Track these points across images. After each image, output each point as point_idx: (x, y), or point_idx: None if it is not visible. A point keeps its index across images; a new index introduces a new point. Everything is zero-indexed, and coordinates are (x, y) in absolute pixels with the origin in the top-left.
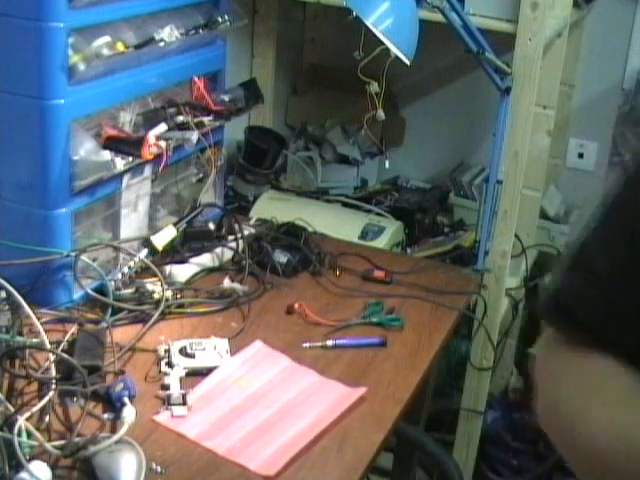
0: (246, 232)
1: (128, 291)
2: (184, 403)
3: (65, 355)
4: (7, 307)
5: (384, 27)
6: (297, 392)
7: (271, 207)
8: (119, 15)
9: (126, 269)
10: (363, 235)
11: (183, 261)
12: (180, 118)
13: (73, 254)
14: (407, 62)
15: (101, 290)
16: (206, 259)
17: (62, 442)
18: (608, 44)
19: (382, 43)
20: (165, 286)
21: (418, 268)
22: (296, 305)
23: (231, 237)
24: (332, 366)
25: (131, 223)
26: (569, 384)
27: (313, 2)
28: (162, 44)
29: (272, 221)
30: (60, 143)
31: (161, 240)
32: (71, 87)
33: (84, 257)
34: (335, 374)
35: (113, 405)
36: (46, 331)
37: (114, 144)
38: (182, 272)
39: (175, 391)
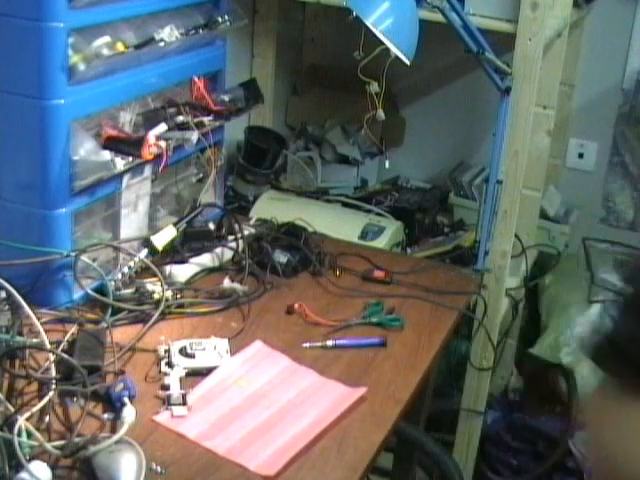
0: (246, 232)
1: (128, 291)
2: (184, 403)
3: (65, 355)
4: (7, 307)
5: (384, 27)
6: (297, 392)
7: (271, 207)
8: (119, 15)
9: (126, 269)
10: (363, 235)
11: (183, 261)
12: (180, 118)
13: (73, 254)
14: (407, 62)
15: (101, 290)
16: (206, 259)
17: (62, 442)
18: (608, 44)
19: (382, 43)
20: (165, 286)
21: (418, 268)
22: (296, 305)
23: (231, 237)
24: (332, 366)
25: (131, 223)
26: (630, 434)
27: (313, 2)
28: (162, 44)
29: (272, 221)
30: (60, 143)
31: (161, 240)
32: (71, 87)
33: (84, 257)
34: (335, 374)
35: (113, 405)
36: (46, 331)
37: (114, 144)
38: (182, 272)
39: (175, 391)
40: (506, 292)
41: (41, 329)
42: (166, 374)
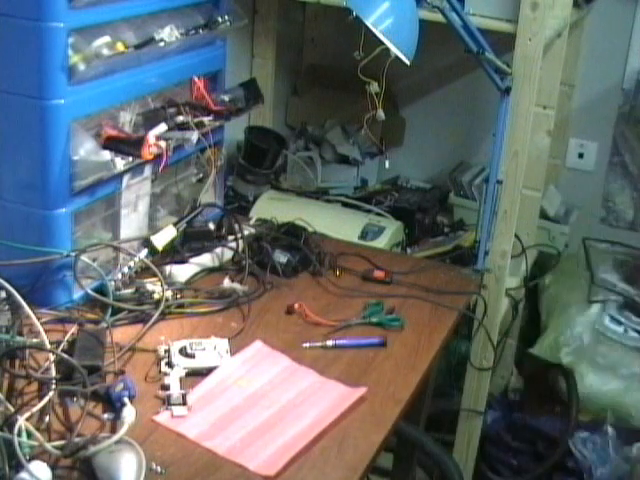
0: (246, 232)
1: (128, 291)
2: (184, 403)
3: (65, 355)
4: (7, 307)
5: (384, 27)
6: (297, 392)
7: (271, 207)
8: (119, 15)
9: (126, 269)
10: (363, 235)
11: (183, 261)
12: (180, 118)
13: (73, 254)
14: (407, 62)
15: (101, 290)
16: (206, 259)
17: (62, 442)
18: (608, 44)
19: (382, 43)
20: (165, 286)
21: (418, 268)
22: (296, 305)
23: (231, 237)
24: (332, 366)
25: (131, 223)
26: None
27: (313, 2)
28: (162, 44)
29: (272, 221)
30: (60, 143)
31: (161, 240)
32: (71, 87)
33: (84, 257)
34: (335, 374)
35: (113, 405)
36: (46, 331)
37: (114, 144)
38: (182, 272)
39: (175, 391)
40: (506, 292)
41: (41, 329)
42: (166, 374)
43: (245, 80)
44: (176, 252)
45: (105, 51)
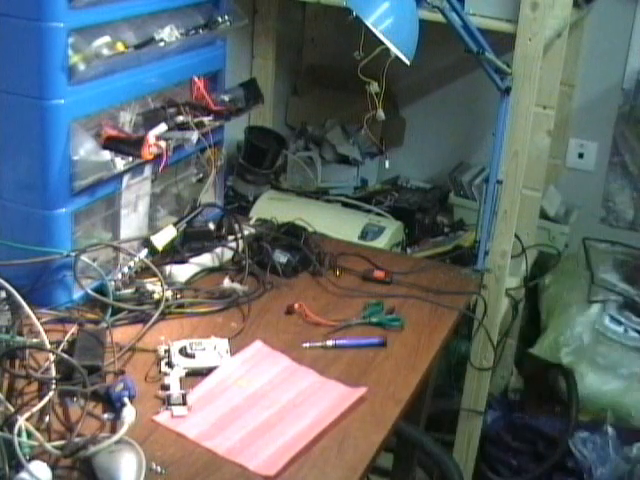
0: (246, 232)
1: (128, 291)
2: (184, 403)
3: (65, 355)
4: (7, 307)
5: (384, 27)
6: (297, 392)
7: (271, 207)
8: (119, 15)
9: (126, 269)
10: (363, 235)
11: (183, 261)
12: (180, 118)
13: (73, 254)
14: (407, 62)
15: (101, 290)
16: (206, 259)
17: (62, 442)
18: (608, 44)
19: (382, 43)
20: (165, 286)
21: (418, 268)
22: (296, 305)
23: (231, 237)
24: (332, 366)
25: (131, 223)
26: None
27: (313, 2)
28: (162, 44)
29: (272, 221)
30: (60, 143)
31: (161, 240)
32: (71, 87)
33: (84, 257)
34: (335, 374)
35: (113, 405)
36: (46, 331)
37: (114, 144)
38: (182, 272)
39: (175, 391)
40: (506, 292)
41: (41, 329)
42: (166, 374)
43: (245, 80)
44: (176, 252)
45: (105, 51)
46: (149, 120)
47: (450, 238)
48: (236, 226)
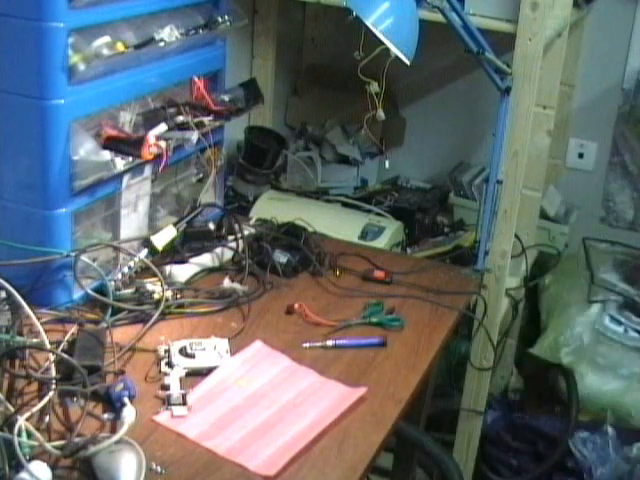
0: (246, 232)
1: (128, 291)
2: (184, 403)
3: (65, 355)
4: (7, 307)
5: (384, 27)
6: (297, 392)
7: (271, 207)
8: (119, 15)
9: (126, 269)
10: (363, 235)
11: (183, 261)
12: (180, 118)
13: (73, 254)
14: (407, 62)
15: (101, 290)
16: (206, 259)
17: (62, 442)
18: (608, 44)
19: (382, 43)
20: (165, 286)
21: (418, 268)
22: (296, 305)
23: (231, 237)
24: (332, 366)
25: (131, 223)
26: None
27: (313, 2)
28: (162, 44)
29: (272, 221)
30: (60, 143)
31: (161, 240)
32: (71, 87)
33: (84, 257)
34: (335, 374)
35: (113, 405)
36: (46, 331)
37: (114, 144)
38: (182, 272)
39: (175, 391)
40: (506, 292)
41: (41, 329)
42: (166, 374)
43: (245, 80)
44: (176, 252)
45: (105, 51)
46: (149, 120)
47: (450, 238)
48: (236, 226)
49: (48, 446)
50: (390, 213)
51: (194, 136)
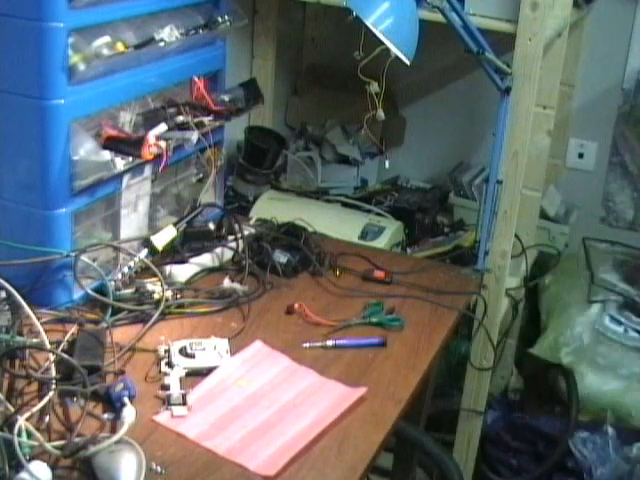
0: (246, 232)
1: (128, 291)
2: (184, 403)
3: (65, 355)
4: (7, 307)
5: (384, 27)
6: (297, 392)
7: (271, 207)
8: (119, 15)
9: (126, 269)
10: (363, 235)
11: (183, 261)
12: (180, 118)
13: (73, 254)
14: (407, 62)
15: (101, 290)
16: (206, 259)
17: (62, 442)
18: (608, 44)
19: (382, 43)
20: (165, 286)
21: (418, 268)
22: (296, 305)
23: (231, 237)
24: (332, 366)
25: (131, 223)
26: None
27: (313, 2)
28: (162, 44)
29: (272, 221)
30: (60, 143)
31: (161, 240)
32: (71, 87)
33: (84, 257)
34: (335, 374)
35: (113, 405)
36: (46, 331)
37: (114, 144)
38: (182, 272)
39: (175, 391)
40: (506, 292)
41: (41, 329)
42: (166, 374)
43: (245, 80)
44: (176, 252)
45: (105, 51)
46: (149, 120)
47: (450, 238)
48: (236, 226)
49: (48, 446)
50: (390, 213)
51: (194, 136)
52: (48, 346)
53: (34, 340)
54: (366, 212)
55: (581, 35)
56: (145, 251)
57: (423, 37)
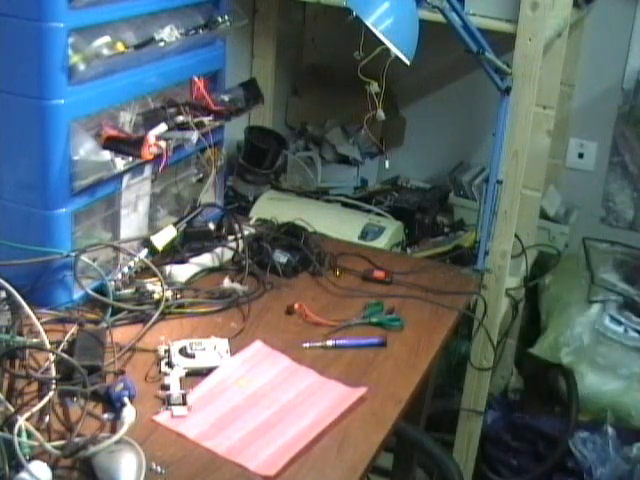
0: (246, 232)
1: (128, 291)
2: (184, 403)
3: (65, 355)
4: (7, 307)
5: (384, 27)
6: (297, 392)
7: (271, 207)
8: (119, 15)
9: (126, 269)
10: (363, 235)
11: (183, 261)
12: (180, 118)
13: (73, 254)
14: (407, 62)
15: (101, 290)
16: (206, 259)
17: (62, 442)
18: (608, 44)
19: (382, 43)
20: (165, 286)
21: (418, 268)
22: (296, 305)
23: (231, 237)
24: (332, 366)
25: (131, 223)
26: None
27: (313, 2)
28: (162, 44)
29: (272, 221)
30: (60, 143)
31: (161, 240)
32: (71, 87)
33: (84, 257)
34: (335, 374)
35: (113, 405)
36: (46, 331)
37: (114, 144)
38: (182, 272)
39: (175, 391)
40: (506, 292)
41: (41, 329)
42: (166, 374)
43: (245, 80)
44: (176, 252)
45: (105, 51)
46: (149, 120)
47: (450, 238)
48: (236, 226)
49: (48, 446)
50: (390, 213)
51: (194, 136)
52: (48, 346)
53: (34, 340)
54: (366, 212)
55: (581, 35)
56: (145, 251)
57: (423, 37)
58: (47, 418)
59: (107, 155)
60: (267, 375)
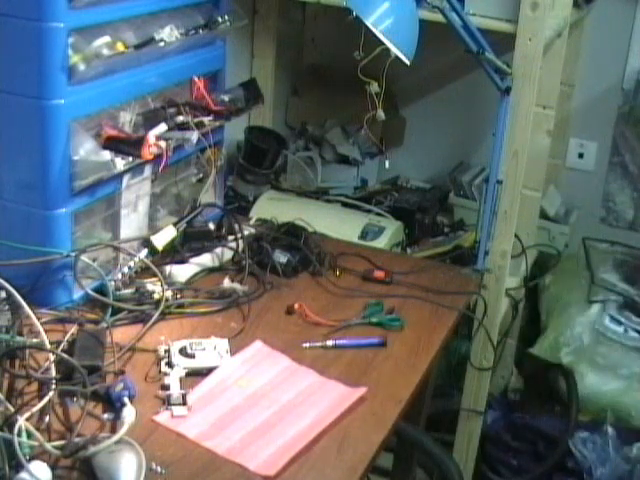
0: (246, 232)
1: (128, 291)
2: (184, 403)
3: (65, 355)
4: (7, 307)
5: (384, 27)
6: (297, 392)
7: (271, 207)
8: (119, 15)
9: (126, 269)
10: (363, 235)
11: (183, 261)
12: (180, 118)
13: (73, 254)
14: (407, 62)
15: (101, 290)
16: (206, 259)
17: (62, 442)
18: (608, 44)
19: (382, 43)
20: (165, 286)
21: (418, 268)
22: (296, 305)
23: (231, 237)
24: (332, 366)
25: (131, 223)
26: None
27: (313, 2)
28: (162, 44)
29: (272, 221)
30: (60, 143)
31: (161, 240)
32: (71, 87)
33: (84, 257)
34: (335, 374)
35: (113, 405)
36: (46, 331)
37: (114, 144)
38: (182, 272)
39: (175, 391)
40: (506, 292)
41: (41, 329)
42: (166, 374)
43: (245, 80)
44: (176, 252)
45: (105, 51)
46: (149, 120)
47: (450, 238)
48: (236, 226)
49: (48, 446)
50: (390, 213)
51: (194, 136)
52: (48, 346)
53: (34, 340)
54: (366, 212)
55: (581, 35)
56: (145, 251)
57: (423, 37)
58: (47, 418)
59: (107, 155)
60: (267, 375)
